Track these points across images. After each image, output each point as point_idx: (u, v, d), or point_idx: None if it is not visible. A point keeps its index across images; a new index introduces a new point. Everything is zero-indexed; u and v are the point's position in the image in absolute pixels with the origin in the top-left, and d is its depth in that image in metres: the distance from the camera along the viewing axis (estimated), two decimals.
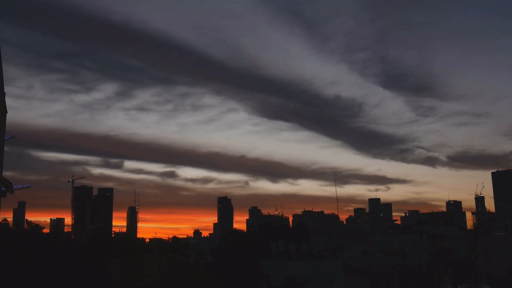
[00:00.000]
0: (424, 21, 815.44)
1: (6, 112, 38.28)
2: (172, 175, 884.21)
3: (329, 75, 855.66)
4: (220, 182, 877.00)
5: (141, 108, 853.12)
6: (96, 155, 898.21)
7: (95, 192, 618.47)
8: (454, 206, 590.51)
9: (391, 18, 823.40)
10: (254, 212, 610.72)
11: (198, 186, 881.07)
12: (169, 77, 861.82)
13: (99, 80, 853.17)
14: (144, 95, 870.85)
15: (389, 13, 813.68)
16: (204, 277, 54.32)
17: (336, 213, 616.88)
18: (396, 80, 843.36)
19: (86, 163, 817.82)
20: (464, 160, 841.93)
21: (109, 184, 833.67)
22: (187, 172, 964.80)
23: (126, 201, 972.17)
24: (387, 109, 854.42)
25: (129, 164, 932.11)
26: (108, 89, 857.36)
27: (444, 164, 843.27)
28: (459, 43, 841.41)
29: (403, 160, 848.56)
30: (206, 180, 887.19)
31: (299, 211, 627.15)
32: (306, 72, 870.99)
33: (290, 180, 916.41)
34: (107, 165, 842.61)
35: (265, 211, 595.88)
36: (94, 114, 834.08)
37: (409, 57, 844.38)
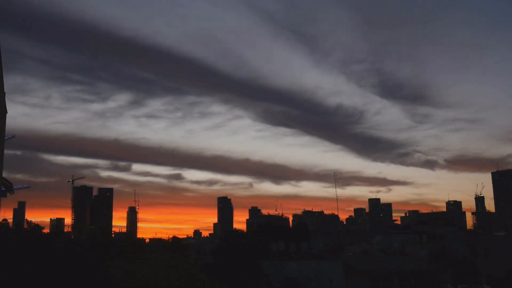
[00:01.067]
0: (417, 34, 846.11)
1: (6, 112, 38.33)
2: (178, 177, 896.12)
3: (330, 85, 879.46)
4: (224, 184, 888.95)
5: (151, 116, 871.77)
6: (105, 159, 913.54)
7: (95, 192, 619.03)
8: (454, 206, 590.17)
9: (385, 33, 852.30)
10: (254, 212, 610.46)
11: (202, 187, 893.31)
12: (179, 87, 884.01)
13: (114, 91, 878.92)
14: (155, 104, 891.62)
15: (383, 28, 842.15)
16: (204, 277, 54.21)
17: (336, 213, 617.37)
18: (392, 90, 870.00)
19: (95, 166, 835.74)
20: (461, 162, 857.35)
21: (115, 186, 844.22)
22: (192, 175, 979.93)
23: (127, 201, 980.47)
24: (386, 116, 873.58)
25: (136, 167, 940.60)
26: (121, 98, 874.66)
27: (442, 167, 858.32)
28: (450, 55, 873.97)
29: (403, 163, 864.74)
30: (211, 182, 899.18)
31: (299, 211, 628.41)
32: (308, 83, 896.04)
33: (292, 182, 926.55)
34: (115, 168, 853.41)
35: (265, 211, 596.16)
36: (106, 121, 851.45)
37: (403, 69, 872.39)
